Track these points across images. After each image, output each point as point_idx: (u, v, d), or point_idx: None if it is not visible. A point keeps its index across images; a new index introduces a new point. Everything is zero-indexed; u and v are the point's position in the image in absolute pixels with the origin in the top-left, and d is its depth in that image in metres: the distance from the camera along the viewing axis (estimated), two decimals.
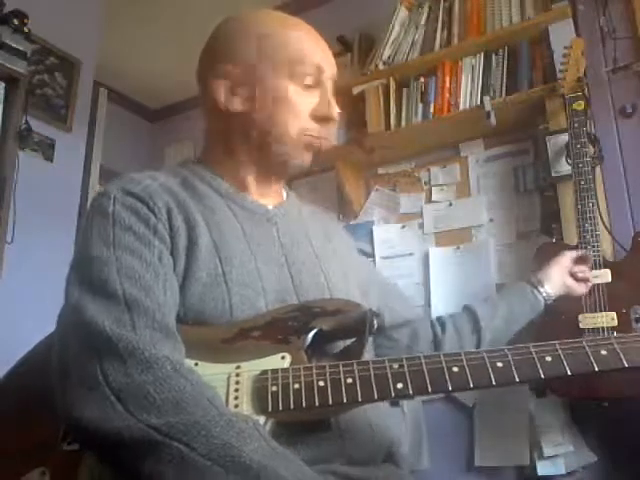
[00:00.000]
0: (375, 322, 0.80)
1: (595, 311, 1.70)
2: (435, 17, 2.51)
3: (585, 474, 1.89)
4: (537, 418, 1.96)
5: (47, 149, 2.72)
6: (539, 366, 0.70)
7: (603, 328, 1.67)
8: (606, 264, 1.75)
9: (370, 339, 0.88)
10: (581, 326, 1.69)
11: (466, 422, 2.12)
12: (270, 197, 0.98)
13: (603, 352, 0.71)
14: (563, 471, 1.89)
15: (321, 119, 0.92)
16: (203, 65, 0.98)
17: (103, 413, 0.64)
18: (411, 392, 0.70)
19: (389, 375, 0.71)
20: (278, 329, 0.78)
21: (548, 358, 0.71)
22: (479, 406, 2.11)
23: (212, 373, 0.73)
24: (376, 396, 0.70)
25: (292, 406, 0.70)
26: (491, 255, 2.28)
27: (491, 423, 2.07)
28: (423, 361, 0.71)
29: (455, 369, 0.70)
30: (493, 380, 0.69)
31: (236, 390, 0.72)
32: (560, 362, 0.70)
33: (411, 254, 2.45)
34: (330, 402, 0.70)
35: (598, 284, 1.72)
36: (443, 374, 0.70)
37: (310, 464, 0.72)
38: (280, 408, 0.70)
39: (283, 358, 0.76)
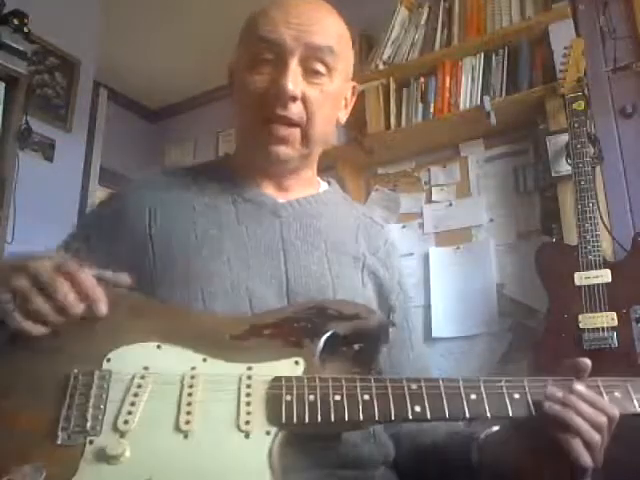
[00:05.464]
0: (390, 333, 0.76)
1: (595, 311, 1.70)
2: (435, 17, 2.51)
3: None
4: None
5: (47, 149, 2.72)
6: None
7: (603, 328, 1.67)
8: (606, 264, 1.75)
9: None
10: (581, 326, 1.69)
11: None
12: (288, 191, 0.93)
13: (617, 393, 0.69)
14: None
15: (274, 96, 0.82)
16: None
17: None
18: (429, 416, 0.66)
19: (407, 396, 0.67)
20: (292, 330, 0.74)
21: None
22: None
23: (222, 373, 0.70)
24: (393, 417, 0.67)
25: (307, 419, 0.66)
26: (491, 255, 2.28)
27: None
28: (442, 384, 0.68)
29: (473, 396, 0.67)
30: (510, 411, 0.67)
31: (248, 395, 0.69)
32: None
33: (411, 254, 2.45)
34: (346, 418, 0.66)
35: (598, 284, 1.72)
36: (461, 400, 0.67)
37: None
38: (294, 420, 0.67)
39: (297, 363, 0.72)
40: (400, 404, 0.67)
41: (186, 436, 0.66)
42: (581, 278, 1.75)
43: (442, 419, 0.67)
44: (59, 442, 0.66)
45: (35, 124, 2.62)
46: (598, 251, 1.75)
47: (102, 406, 0.68)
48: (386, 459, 0.84)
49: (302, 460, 0.72)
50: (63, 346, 0.73)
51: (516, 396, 0.67)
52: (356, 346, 0.78)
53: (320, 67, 0.85)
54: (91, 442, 0.66)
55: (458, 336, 2.24)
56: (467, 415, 0.66)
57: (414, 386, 0.68)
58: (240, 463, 0.65)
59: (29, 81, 2.62)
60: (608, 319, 1.68)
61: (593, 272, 1.74)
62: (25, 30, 2.48)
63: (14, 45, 2.49)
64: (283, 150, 0.86)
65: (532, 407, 0.67)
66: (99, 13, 3.05)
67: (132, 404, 0.68)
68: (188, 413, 0.67)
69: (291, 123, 0.84)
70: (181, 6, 3.14)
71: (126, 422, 0.67)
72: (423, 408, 0.66)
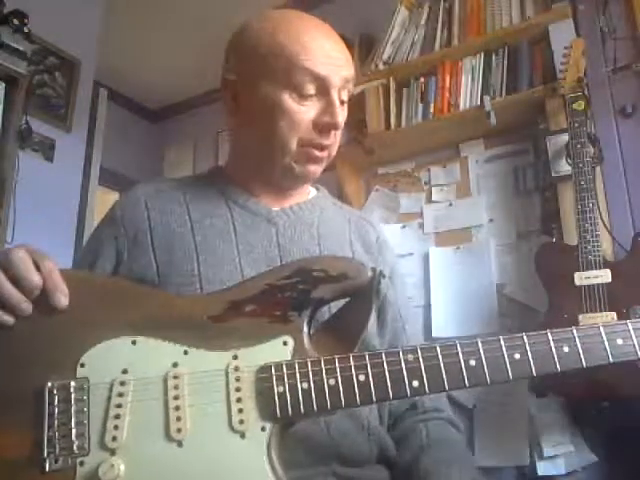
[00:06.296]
0: (382, 287, 0.73)
1: (595, 311, 1.70)
2: (435, 17, 2.51)
3: (585, 474, 1.89)
4: (537, 418, 1.96)
5: (47, 149, 2.72)
6: (556, 359, 0.65)
7: None
8: (606, 264, 1.75)
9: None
10: None
11: (466, 422, 2.12)
12: (283, 199, 0.96)
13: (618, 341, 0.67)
14: (563, 471, 1.89)
15: (322, 128, 0.88)
16: (222, 69, 0.97)
17: None
18: (427, 391, 0.65)
19: (404, 371, 0.65)
20: (275, 302, 0.69)
21: (565, 349, 0.66)
22: (479, 406, 2.11)
23: (207, 369, 0.66)
24: (391, 395, 0.65)
25: (302, 410, 0.64)
26: (491, 255, 2.28)
27: (491, 423, 2.07)
28: (439, 352, 0.66)
29: (472, 362, 0.65)
30: (510, 375, 0.65)
31: (237, 390, 0.65)
32: (577, 354, 0.66)
33: (411, 254, 2.45)
34: (343, 404, 0.64)
35: (598, 284, 1.72)
36: (460, 369, 0.65)
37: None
38: (290, 413, 0.64)
39: (285, 344, 0.67)
40: (397, 381, 0.65)
41: (180, 445, 0.64)
42: (581, 278, 1.75)
43: (441, 391, 0.66)
44: (47, 469, 0.62)
45: (35, 124, 2.62)
46: (598, 251, 1.75)
47: (85, 421, 0.64)
48: (384, 456, 0.85)
49: (300, 453, 0.72)
50: (32, 352, 0.67)
51: (516, 356, 0.65)
52: (347, 308, 0.74)
53: (346, 96, 0.92)
54: (82, 463, 0.63)
55: (458, 336, 2.23)
56: (467, 385, 0.65)
57: (411, 357, 0.66)
58: (240, 466, 0.63)
59: (29, 81, 2.62)
60: (608, 319, 1.67)
61: (593, 272, 1.74)
62: (25, 30, 2.48)
63: (14, 45, 2.49)
64: (317, 169, 0.93)
65: (534, 369, 0.65)
66: (99, 13, 3.05)
67: (117, 417, 0.64)
68: (178, 419, 0.64)
69: (325, 147, 0.91)
70: (181, 6, 3.14)
71: (114, 439, 0.63)
72: (421, 383, 0.65)
